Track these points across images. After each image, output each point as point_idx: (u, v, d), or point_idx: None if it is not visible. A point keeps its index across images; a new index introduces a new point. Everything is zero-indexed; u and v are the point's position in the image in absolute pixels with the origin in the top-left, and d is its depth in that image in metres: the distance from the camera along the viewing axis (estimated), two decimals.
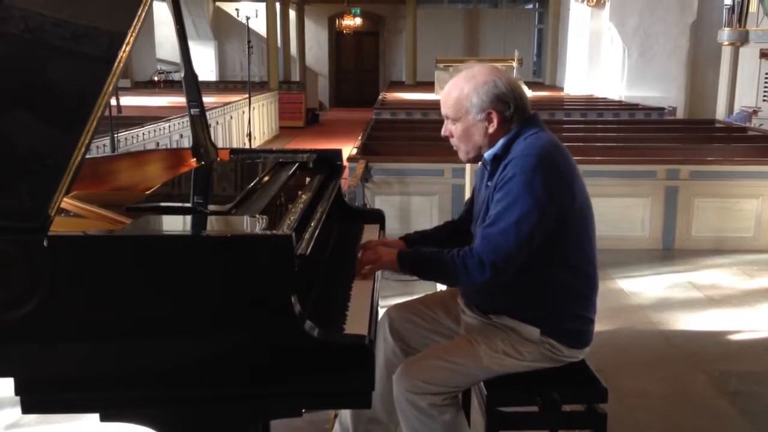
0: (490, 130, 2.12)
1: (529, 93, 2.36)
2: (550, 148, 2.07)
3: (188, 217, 2.02)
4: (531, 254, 2.05)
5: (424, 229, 2.53)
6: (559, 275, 2.13)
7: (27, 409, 1.71)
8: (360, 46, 21.31)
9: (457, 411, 2.15)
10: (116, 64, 1.78)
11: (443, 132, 2.23)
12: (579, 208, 2.11)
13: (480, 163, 2.27)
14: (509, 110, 2.11)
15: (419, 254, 2.21)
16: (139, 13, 1.85)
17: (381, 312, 2.39)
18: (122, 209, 2.04)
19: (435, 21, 19.69)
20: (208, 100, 9.42)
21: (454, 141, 2.21)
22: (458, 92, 2.12)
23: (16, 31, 1.83)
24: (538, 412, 2.11)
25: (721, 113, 9.78)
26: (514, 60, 5.67)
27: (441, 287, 4.29)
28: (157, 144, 7.37)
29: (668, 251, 5.69)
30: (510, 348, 2.14)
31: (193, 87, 2.90)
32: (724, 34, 9.37)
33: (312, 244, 2.00)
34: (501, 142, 2.13)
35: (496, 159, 2.13)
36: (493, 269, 2.04)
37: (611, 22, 11.34)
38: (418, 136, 7.27)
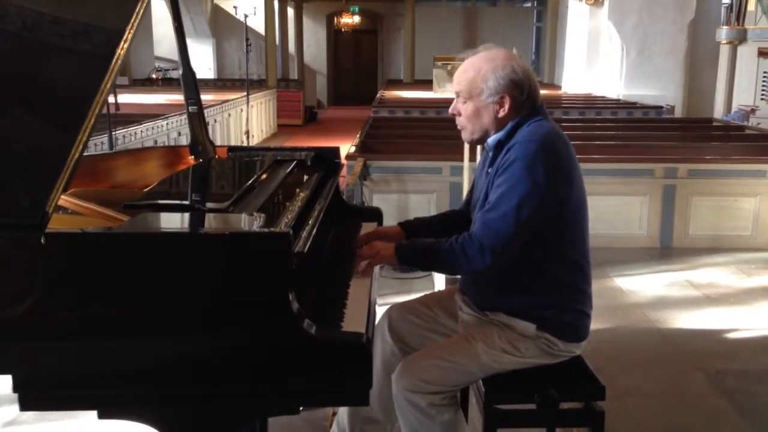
0: (500, 114, 2.12)
1: None
2: (552, 136, 2.08)
3: (186, 215, 2.02)
4: (527, 244, 2.06)
5: (423, 216, 2.53)
6: (555, 268, 2.14)
7: (25, 406, 1.71)
8: (358, 44, 21.30)
9: (456, 411, 2.16)
10: (114, 61, 1.77)
11: (451, 110, 2.22)
12: (576, 198, 2.12)
13: (483, 150, 2.27)
14: (522, 96, 2.11)
15: (417, 246, 2.20)
16: (137, 10, 1.85)
17: (379, 310, 2.39)
18: (120, 207, 2.04)
19: (433, 19, 19.68)
20: (206, 97, 9.41)
21: (461, 120, 2.19)
22: (475, 72, 2.11)
23: (13, 29, 1.83)
24: (535, 409, 2.12)
25: (719, 112, 9.79)
26: None
27: (440, 286, 4.30)
28: (155, 142, 7.37)
29: (666, 249, 5.69)
30: (507, 344, 2.14)
31: (191, 85, 2.89)
32: (723, 33, 9.40)
33: (310, 241, 2.00)
34: (506, 127, 2.13)
35: (499, 145, 2.14)
36: (493, 254, 2.04)
37: (610, 20, 11.34)
38: (417, 134, 7.26)
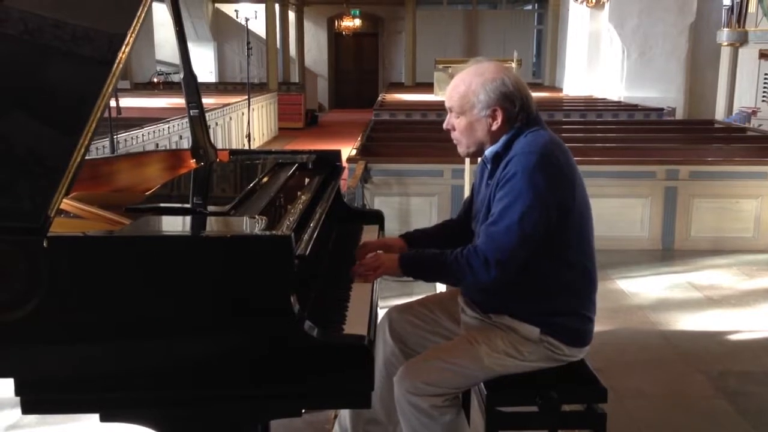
0: (494, 127, 2.12)
1: None
2: (551, 146, 2.08)
3: (188, 218, 2.03)
4: (532, 252, 2.06)
5: (424, 228, 2.53)
6: (560, 273, 2.13)
7: (27, 409, 1.71)
8: (359, 47, 21.30)
9: (458, 412, 2.15)
10: (116, 65, 1.78)
11: (445, 125, 2.22)
12: (579, 205, 2.12)
13: (480, 161, 2.27)
14: (514, 109, 2.11)
15: (421, 257, 2.20)
16: (138, 14, 1.86)
17: (380, 312, 2.39)
18: (122, 210, 2.04)
19: (434, 22, 19.69)
20: (207, 101, 9.42)
21: (455, 135, 2.20)
22: (466, 86, 2.12)
23: (15, 33, 1.84)
24: (537, 412, 2.12)
25: (720, 114, 9.79)
26: (513, 61, 5.67)
27: (441, 288, 4.29)
28: (157, 145, 7.38)
29: (668, 251, 5.69)
30: (510, 348, 2.14)
31: (192, 88, 2.90)
32: (724, 35, 9.38)
33: (311, 244, 2.00)
34: (503, 139, 2.13)
35: (497, 157, 2.14)
36: (499, 267, 2.04)
37: (610, 22, 11.35)
38: (418, 137, 7.27)
